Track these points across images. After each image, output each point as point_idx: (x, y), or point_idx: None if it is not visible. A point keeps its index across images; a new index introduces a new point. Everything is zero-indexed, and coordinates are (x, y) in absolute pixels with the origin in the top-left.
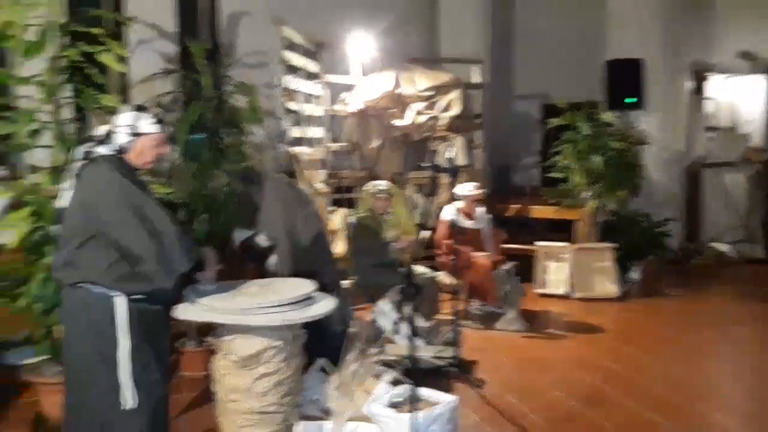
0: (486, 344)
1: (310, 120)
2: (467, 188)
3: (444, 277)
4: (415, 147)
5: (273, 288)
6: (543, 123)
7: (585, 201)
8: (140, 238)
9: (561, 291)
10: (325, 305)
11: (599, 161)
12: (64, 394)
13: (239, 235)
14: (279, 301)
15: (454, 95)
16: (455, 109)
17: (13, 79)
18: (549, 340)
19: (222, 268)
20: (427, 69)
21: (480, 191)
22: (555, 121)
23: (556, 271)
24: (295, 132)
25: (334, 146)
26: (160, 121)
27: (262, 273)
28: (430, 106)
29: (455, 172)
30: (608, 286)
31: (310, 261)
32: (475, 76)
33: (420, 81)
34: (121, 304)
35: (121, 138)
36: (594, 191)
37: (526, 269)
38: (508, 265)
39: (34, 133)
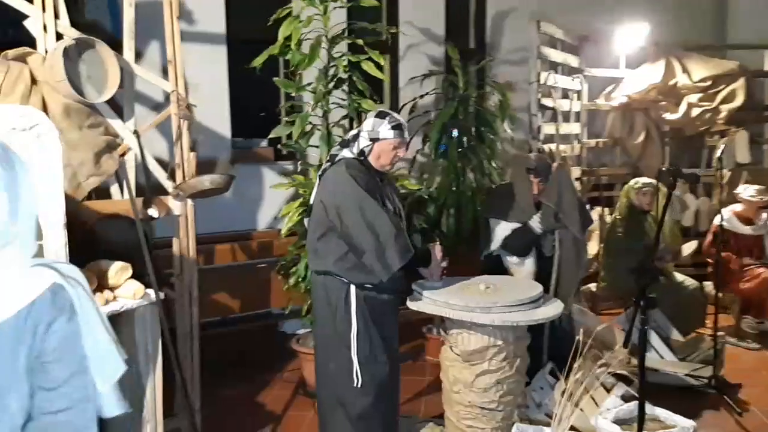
0: (759, 366)
1: (567, 116)
2: (749, 191)
3: (713, 288)
4: (689, 143)
5: (501, 287)
6: None
7: None
8: (363, 234)
9: None
10: (549, 310)
11: None
12: (315, 365)
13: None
14: (501, 302)
15: (738, 85)
16: (738, 101)
17: (292, 86)
18: None
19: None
20: (706, 57)
21: (765, 197)
22: None
23: None
24: (549, 128)
25: (592, 142)
26: (397, 127)
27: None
28: (708, 98)
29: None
30: None
31: None
32: (766, 62)
33: (696, 70)
34: (353, 291)
35: (363, 142)
36: None
37: None
38: None
39: (306, 134)
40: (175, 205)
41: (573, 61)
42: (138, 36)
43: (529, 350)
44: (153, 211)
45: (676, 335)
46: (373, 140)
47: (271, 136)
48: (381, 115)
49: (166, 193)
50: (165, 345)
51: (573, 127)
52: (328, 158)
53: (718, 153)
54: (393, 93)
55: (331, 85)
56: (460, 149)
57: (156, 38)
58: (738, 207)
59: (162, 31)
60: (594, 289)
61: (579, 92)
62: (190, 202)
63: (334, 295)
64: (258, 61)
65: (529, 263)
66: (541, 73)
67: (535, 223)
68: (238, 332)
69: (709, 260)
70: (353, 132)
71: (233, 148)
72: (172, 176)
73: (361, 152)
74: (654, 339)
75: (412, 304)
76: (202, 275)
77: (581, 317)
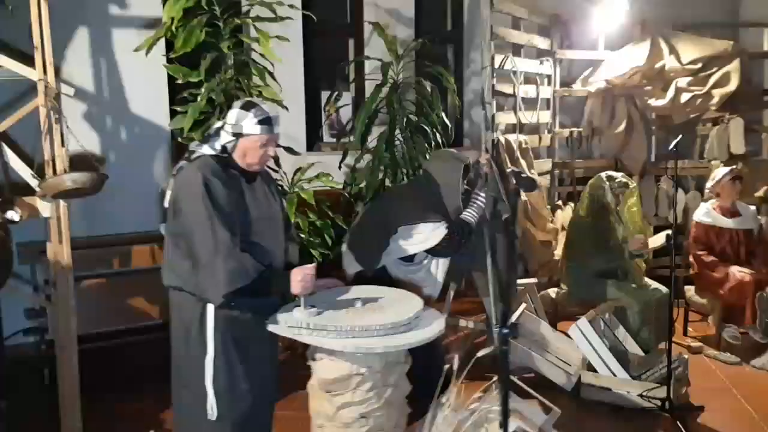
0: (732, 384)
1: (533, 103)
2: (719, 174)
3: (695, 294)
4: (678, 132)
5: (383, 304)
6: None
7: None
8: (200, 247)
9: None
10: (422, 333)
11: None
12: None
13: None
14: (363, 324)
15: (732, 67)
16: (732, 84)
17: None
18: None
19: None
20: (697, 36)
21: (735, 175)
22: None
23: None
24: (509, 117)
25: (565, 132)
26: (265, 121)
27: None
28: (699, 82)
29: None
30: None
31: None
32: (766, 42)
33: (686, 51)
34: (210, 310)
35: (225, 137)
36: None
37: None
38: None
39: (199, 126)
40: (43, 207)
41: (541, 42)
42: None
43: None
44: (13, 214)
45: (634, 348)
46: (237, 135)
47: (171, 126)
48: (247, 107)
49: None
50: None
51: (542, 116)
52: (185, 155)
53: (709, 143)
54: (358, 80)
55: (231, 72)
56: (395, 142)
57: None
58: (716, 201)
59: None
60: (554, 295)
61: (549, 77)
62: (62, 203)
63: (188, 314)
64: (143, 46)
65: (440, 271)
66: (496, 56)
67: (469, 216)
68: (158, 340)
69: (692, 260)
70: (216, 125)
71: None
72: (40, 174)
73: (224, 149)
74: (605, 353)
75: (269, 327)
76: (116, 279)
77: (532, 325)
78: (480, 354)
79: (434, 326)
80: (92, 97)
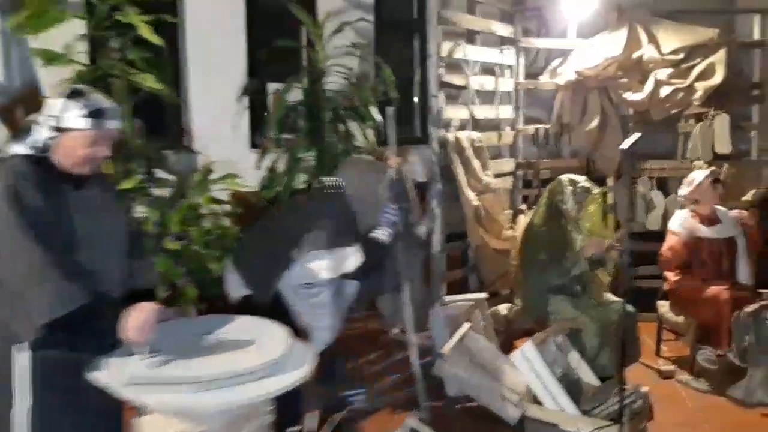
0: (703, 418)
1: (492, 96)
2: (697, 178)
3: (669, 311)
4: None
5: (245, 345)
6: None
7: None
8: (6, 271)
9: None
10: (275, 382)
11: None
12: None
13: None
14: (199, 373)
15: (717, 57)
16: (717, 77)
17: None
18: None
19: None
20: (679, 24)
21: (717, 176)
22: None
23: None
24: (459, 112)
25: (530, 128)
26: (96, 114)
27: None
28: (680, 74)
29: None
30: None
31: None
32: (756, 30)
33: (666, 40)
34: (21, 354)
35: (43, 132)
36: None
37: None
38: (754, 306)
39: None
40: None
41: (502, 29)
42: None
43: None
44: None
45: (589, 376)
46: (59, 130)
47: None
48: (74, 95)
49: None
50: None
51: (503, 111)
52: None
53: (691, 141)
54: (312, 68)
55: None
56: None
57: None
58: (694, 207)
59: None
60: (506, 312)
61: (512, 68)
62: None
63: None
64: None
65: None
66: (443, 44)
67: (383, 234)
68: None
69: (666, 274)
70: (32, 116)
71: None
72: None
73: (44, 147)
74: (552, 383)
75: (91, 377)
76: None
77: (476, 347)
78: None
79: (300, 371)
80: None
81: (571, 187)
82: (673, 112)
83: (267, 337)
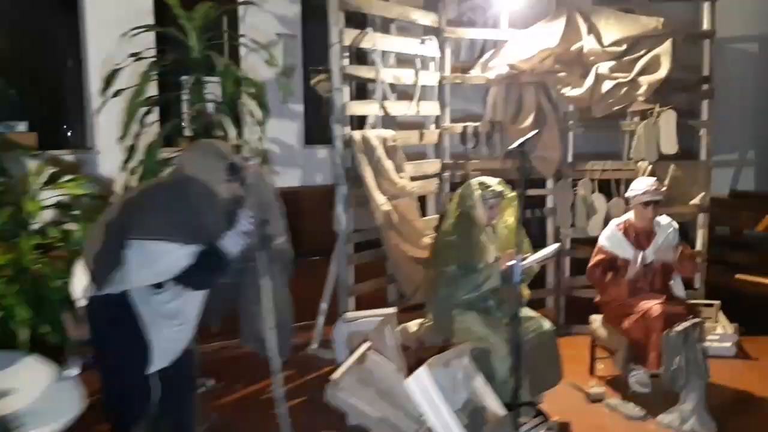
0: None
1: (411, 91)
2: (640, 186)
3: (601, 326)
4: (602, 126)
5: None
6: None
7: None
8: None
9: None
10: None
11: None
12: None
13: None
14: None
15: (663, 49)
16: (662, 70)
17: None
18: None
19: None
20: (622, 12)
21: (658, 191)
22: None
23: None
24: (368, 108)
25: (457, 127)
26: None
27: None
28: (623, 67)
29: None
30: None
31: None
32: (705, 19)
33: (608, 30)
34: None
35: None
36: None
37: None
38: (685, 324)
39: None
40: None
41: (422, 17)
42: None
43: None
44: None
45: (497, 405)
46: None
47: None
48: None
49: None
50: None
51: (426, 107)
52: None
53: (635, 141)
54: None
55: None
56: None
57: None
58: (629, 216)
59: None
60: (416, 328)
61: (436, 60)
62: None
63: None
64: None
65: (191, 305)
66: (346, 31)
67: (232, 243)
68: None
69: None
70: None
71: None
72: None
73: None
74: (447, 413)
75: None
76: None
77: (378, 370)
78: None
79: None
80: None
81: (480, 191)
82: (616, 108)
83: (29, 384)
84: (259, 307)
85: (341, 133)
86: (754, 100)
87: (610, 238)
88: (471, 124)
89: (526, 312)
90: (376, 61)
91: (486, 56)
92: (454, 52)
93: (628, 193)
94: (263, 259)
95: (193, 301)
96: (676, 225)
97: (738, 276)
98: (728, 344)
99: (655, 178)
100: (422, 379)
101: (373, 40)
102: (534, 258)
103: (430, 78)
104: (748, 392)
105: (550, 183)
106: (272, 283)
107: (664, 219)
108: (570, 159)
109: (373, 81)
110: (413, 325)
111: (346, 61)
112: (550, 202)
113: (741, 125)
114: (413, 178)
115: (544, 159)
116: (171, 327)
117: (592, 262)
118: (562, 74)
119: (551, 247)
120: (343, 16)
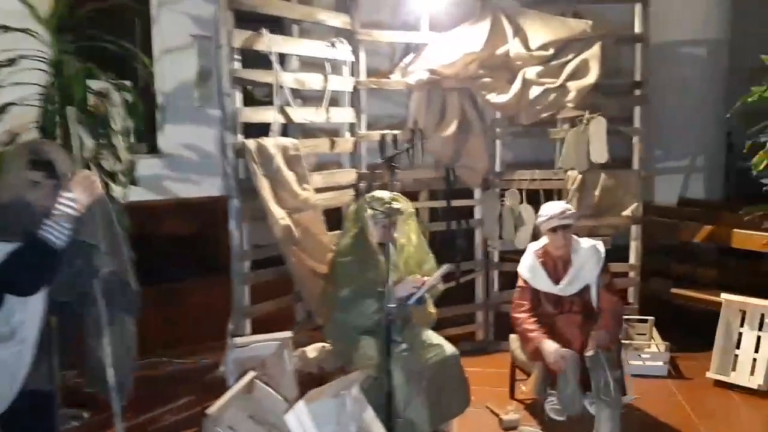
0: None
1: (320, 97)
2: (546, 211)
3: (519, 347)
4: (533, 135)
5: None
6: None
7: None
8: None
9: (756, 383)
10: None
11: None
12: None
13: None
14: None
15: (591, 53)
16: (591, 75)
17: None
18: None
19: None
20: (550, 15)
21: (565, 215)
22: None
23: (752, 344)
24: (262, 115)
25: (374, 134)
26: None
27: None
28: (551, 72)
29: None
30: None
31: None
32: (637, 22)
33: (535, 33)
34: None
35: None
36: None
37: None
38: (591, 350)
39: None
40: None
41: (332, 18)
42: None
43: None
44: None
45: None
46: None
47: None
48: None
49: None
50: None
51: (339, 114)
52: None
53: (564, 149)
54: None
55: None
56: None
57: None
58: (545, 241)
59: None
60: (315, 353)
61: (346, 64)
62: None
63: None
64: None
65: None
66: (236, 32)
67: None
68: None
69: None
70: None
71: None
72: None
73: None
74: None
75: None
76: None
77: (267, 402)
78: None
79: None
80: None
81: (371, 210)
82: (544, 115)
83: None
84: (96, 340)
85: (232, 142)
86: (702, 106)
87: (530, 270)
88: (390, 132)
89: (429, 338)
90: (275, 65)
91: (406, 60)
92: (389, 55)
93: (537, 220)
94: (97, 288)
95: (32, 317)
96: (601, 250)
97: (673, 290)
98: (660, 363)
99: (564, 202)
100: (300, 414)
101: (269, 42)
102: (428, 285)
103: (342, 83)
104: (676, 415)
105: (478, 193)
106: (108, 316)
107: (586, 243)
108: (498, 168)
109: (270, 85)
110: (312, 350)
111: (237, 65)
112: (478, 213)
113: (690, 132)
114: (325, 189)
115: (470, 168)
116: (6, 349)
117: (515, 301)
118: (488, 80)
119: (442, 268)
120: (232, 15)
